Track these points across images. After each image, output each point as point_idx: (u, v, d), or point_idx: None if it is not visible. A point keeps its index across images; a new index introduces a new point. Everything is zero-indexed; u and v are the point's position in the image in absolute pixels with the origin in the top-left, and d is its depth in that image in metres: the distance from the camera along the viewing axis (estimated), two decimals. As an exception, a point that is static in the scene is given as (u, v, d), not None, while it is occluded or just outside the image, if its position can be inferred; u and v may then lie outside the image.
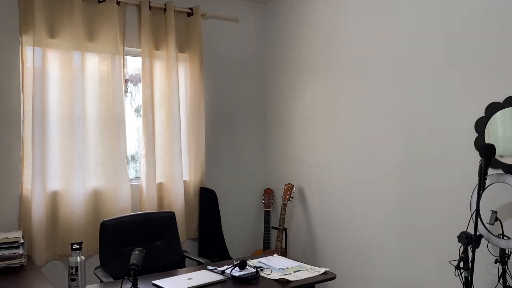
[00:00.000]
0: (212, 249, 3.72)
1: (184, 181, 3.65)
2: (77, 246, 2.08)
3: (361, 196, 3.22)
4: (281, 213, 3.69)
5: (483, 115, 2.41)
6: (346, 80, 3.33)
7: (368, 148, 3.16)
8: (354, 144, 3.27)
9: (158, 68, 3.54)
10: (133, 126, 3.60)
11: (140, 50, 3.45)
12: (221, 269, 2.39)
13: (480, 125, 2.42)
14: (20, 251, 2.56)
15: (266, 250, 3.83)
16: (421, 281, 2.79)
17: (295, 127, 3.86)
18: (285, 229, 3.68)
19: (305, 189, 3.74)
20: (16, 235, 2.67)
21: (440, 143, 2.66)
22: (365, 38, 3.16)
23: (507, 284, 2.18)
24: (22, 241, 2.62)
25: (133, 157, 3.63)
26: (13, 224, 2.96)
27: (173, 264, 2.83)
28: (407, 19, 2.85)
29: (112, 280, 2.41)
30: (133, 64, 3.64)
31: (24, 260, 2.56)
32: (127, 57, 3.56)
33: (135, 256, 2.09)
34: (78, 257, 2.07)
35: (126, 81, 3.63)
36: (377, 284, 3.12)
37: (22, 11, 3.01)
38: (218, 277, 2.28)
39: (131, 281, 2.03)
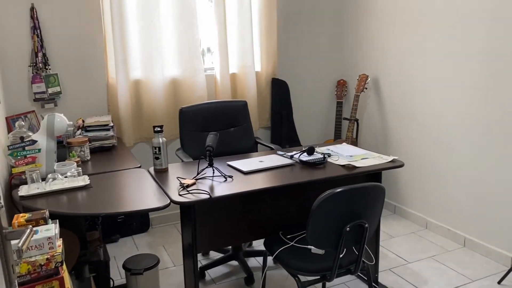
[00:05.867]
0: (284, 137, 3.85)
1: (256, 72, 3.69)
2: (159, 129, 2.27)
3: (440, 83, 3.07)
4: (353, 104, 3.66)
5: None
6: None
7: (449, 34, 2.92)
8: (436, 33, 3.03)
9: (229, -48, 3.40)
10: (209, 17, 3.58)
11: None
12: (290, 154, 2.51)
13: None
14: (111, 133, 2.85)
15: (337, 139, 3.90)
16: (495, 182, 2.73)
17: (373, 15, 3.63)
18: (357, 120, 3.68)
19: (381, 80, 3.63)
20: (106, 118, 2.95)
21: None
22: None
23: None
24: (112, 124, 2.91)
25: (209, 49, 3.69)
26: (103, 109, 3.26)
27: (246, 148, 3.01)
28: None
29: (192, 160, 2.65)
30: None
31: (115, 141, 2.86)
32: None
33: (210, 139, 2.25)
34: (160, 138, 2.28)
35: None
36: (447, 177, 3.10)
37: None
38: (287, 161, 2.41)
39: (207, 161, 2.22)
